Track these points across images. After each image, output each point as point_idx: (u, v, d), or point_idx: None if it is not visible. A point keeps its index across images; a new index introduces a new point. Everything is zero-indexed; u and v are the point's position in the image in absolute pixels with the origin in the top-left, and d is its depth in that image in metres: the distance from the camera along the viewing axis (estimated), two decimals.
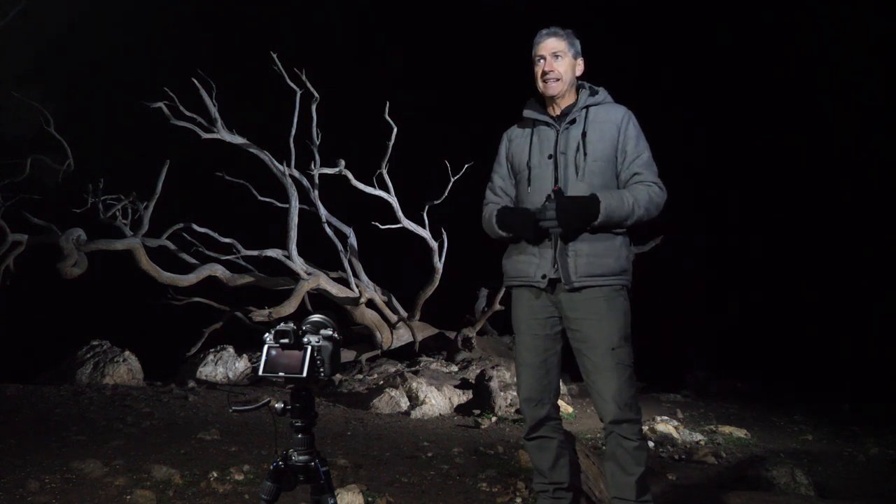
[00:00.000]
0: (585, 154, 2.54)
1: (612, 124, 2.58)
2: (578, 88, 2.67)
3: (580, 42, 2.67)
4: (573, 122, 2.61)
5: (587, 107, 2.62)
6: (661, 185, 2.58)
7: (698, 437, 5.55)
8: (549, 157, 2.59)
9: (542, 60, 2.61)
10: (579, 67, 2.65)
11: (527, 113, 2.70)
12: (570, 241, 2.51)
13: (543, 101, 2.68)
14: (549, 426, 2.64)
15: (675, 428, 5.61)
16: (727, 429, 5.93)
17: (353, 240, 8.91)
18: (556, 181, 2.56)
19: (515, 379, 2.77)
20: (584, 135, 2.57)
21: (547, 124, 2.64)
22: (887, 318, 10.19)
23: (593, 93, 2.66)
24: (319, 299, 8.79)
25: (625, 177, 2.57)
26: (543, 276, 2.54)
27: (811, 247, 12.41)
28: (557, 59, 2.59)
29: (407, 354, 9.07)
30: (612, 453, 2.55)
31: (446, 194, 8.61)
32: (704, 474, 4.37)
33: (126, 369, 6.84)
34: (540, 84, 2.62)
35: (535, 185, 2.60)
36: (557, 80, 2.58)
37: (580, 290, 2.51)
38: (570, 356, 2.67)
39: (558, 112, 2.64)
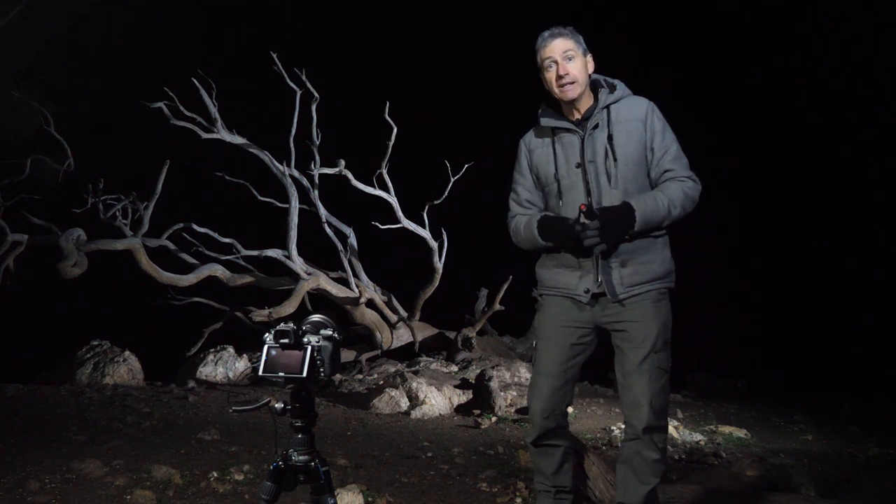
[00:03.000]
0: (616, 160, 2.42)
1: (636, 122, 2.46)
2: (595, 86, 2.52)
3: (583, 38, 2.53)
4: (596, 126, 2.46)
5: (608, 106, 2.48)
6: (695, 178, 2.47)
7: (698, 437, 5.55)
8: (577, 165, 2.46)
9: (553, 65, 2.44)
10: (590, 65, 2.51)
11: (544, 122, 2.54)
12: (611, 253, 2.40)
13: (558, 106, 2.54)
14: (557, 434, 2.56)
15: (675, 428, 5.60)
16: (727, 429, 5.93)
17: (353, 240, 8.91)
18: (589, 192, 2.43)
19: (529, 386, 2.64)
20: (610, 138, 2.43)
21: (568, 130, 2.50)
22: (887, 318, 10.19)
23: (611, 88, 2.51)
24: (319, 299, 8.79)
25: (655, 174, 2.47)
26: (587, 291, 2.43)
27: (812, 247, 12.41)
28: (570, 61, 2.44)
29: (407, 354, 9.07)
30: (628, 458, 2.47)
31: (446, 194, 8.61)
32: (704, 474, 4.36)
33: (126, 369, 6.83)
34: (556, 90, 2.46)
35: (566, 197, 2.47)
36: (573, 82, 2.43)
37: (626, 300, 2.42)
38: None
39: (578, 116, 2.50)
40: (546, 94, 2.55)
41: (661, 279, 2.46)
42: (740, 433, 5.79)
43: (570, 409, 6.31)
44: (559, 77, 2.44)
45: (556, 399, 2.51)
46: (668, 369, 2.45)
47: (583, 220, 2.32)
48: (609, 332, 2.51)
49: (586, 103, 2.50)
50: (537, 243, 2.51)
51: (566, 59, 2.44)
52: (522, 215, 2.59)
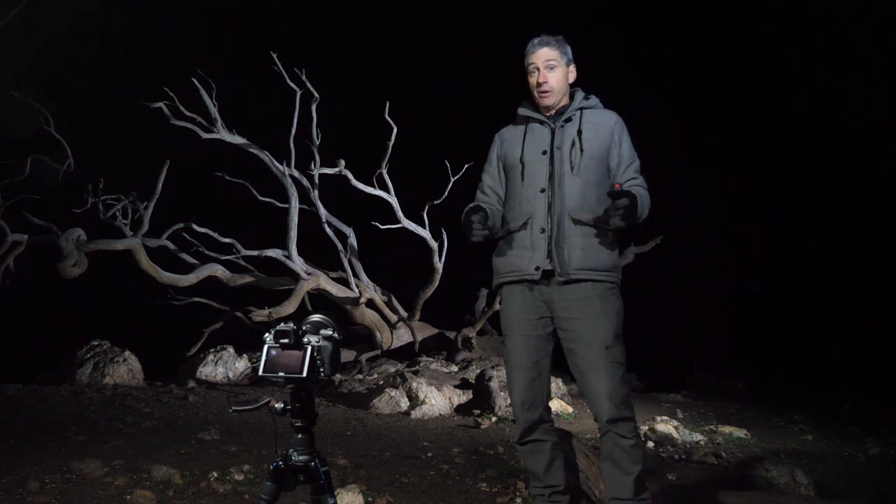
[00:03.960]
0: (582, 150, 2.57)
1: (606, 126, 2.64)
2: (573, 93, 2.73)
3: (571, 48, 2.70)
4: (569, 120, 2.65)
5: (582, 108, 2.68)
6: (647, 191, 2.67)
7: (698, 437, 5.55)
8: (544, 152, 2.61)
9: (535, 71, 2.63)
10: (572, 74, 2.70)
11: (521, 111, 2.73)
12: (564, 234, 2.53)
13: (536, 104, 2.74)
14: (541, 429, 2.64)
15: (675, 428, 5.60)
16: (727, 429, 5.93)
17: (353, 240, 8.91)
18: (552, 176, 2.58)
19: (507, 384, 2.76)
20: (579, 132, 2.60)
21: (541, 122, 2.68)
22: (888, 318, 10.19)
23: (587, 97, 2.72)
24: (319, 299, 8.79)
25: (622, 180, 2.61)
26: (537, 268, 2.54)
27: (812, 247, 12.41)
28: (551, 71, 2.62)
29: (407, 354, 9.07)
30: (608, 453, 2.54)
31: (446, 194, 8.61)
32: (704, 474, 4.36)
33: (126, 369, 6.83)
34: (535, 95, 2.66)
35: (528, 179, 2.61)
36: (550, 91, 2.62)
37: (573, 284, 2.52)
38: (562, 356, 2.66)
39: (552, 113, 2.69)
40: (529, 93, 2.74)
41: (608, 271, 2.55)
42: (740, 433, 5.80)
43: (570, 409, 6.34)
44: (538, 84, 2.63)
45: (533, 390, 2.61)
46: (622, 362, 2.52)
47: (619, 200, 2.44)
48: (558, 333, 2.61)
49: (562, 104, 2.71)
50: (466, 228, 2.57)
51: (548, 67, 2.62)
52: (480, 202, 2.74)
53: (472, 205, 2.62)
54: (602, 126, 2.63)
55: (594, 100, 2.73)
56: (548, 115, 2.68)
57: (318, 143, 8.33)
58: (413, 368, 7.59)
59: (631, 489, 2.48)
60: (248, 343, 8.17)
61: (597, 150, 2.60)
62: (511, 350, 2.65)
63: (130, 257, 7.96)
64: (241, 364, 7.71)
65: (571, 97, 2.71)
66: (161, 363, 7.74)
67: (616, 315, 2.54)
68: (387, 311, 9.02)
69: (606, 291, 2.54)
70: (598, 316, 2.50)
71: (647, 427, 5.55)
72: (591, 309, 2.51)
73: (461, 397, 6.45)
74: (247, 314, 8.30)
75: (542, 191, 2.57)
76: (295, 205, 8.40)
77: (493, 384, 6.07)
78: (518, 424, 2.68)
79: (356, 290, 8.61)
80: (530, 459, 2.68)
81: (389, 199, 8.56)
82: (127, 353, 7.02)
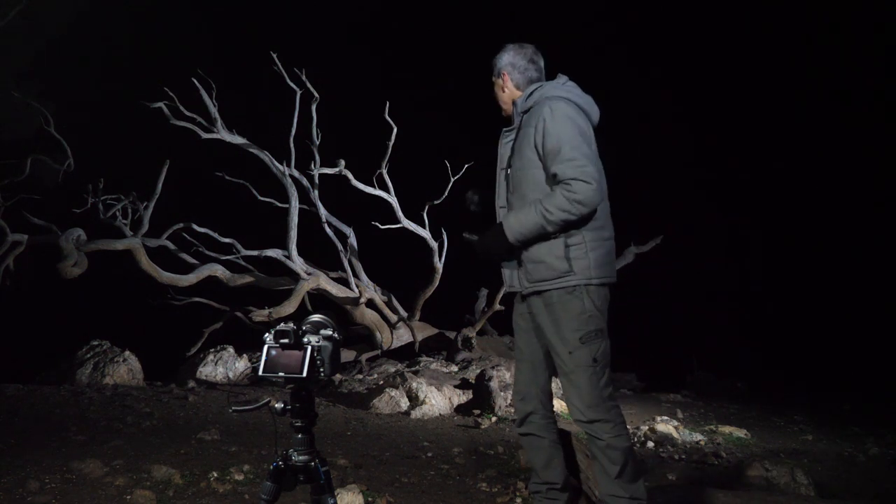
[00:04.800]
0: (510, 166, 2.65)
1: (531, 128, 2.55)
2: (516, 100, 2.74)
3: (504, 54, 2.75)
4: (511, 131, 2.72)
5: (522, 113, 2.66)
6: (584, 177, 2.40)
7: (698, 437, 5.55)
8: (502, 169, 2.73)
9: None
10: (507, 82, 2.73)
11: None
12: (518, 251, 2.61)
13: None
14: (537, 423, 2.70)
15: (675, 428, 5.60)
16: (727, 429, 5.93)
17: (353, 240, 8.90)
18: (506, 192, 2.69)
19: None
20: (513, 148, 2.66)
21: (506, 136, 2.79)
22: (888, 318, 10.19)
23: (528, 95, 2.65)
24: (319, 299, 8.79)
25: (550, 178, 2.51)
26: (511, 286, 2.71)
27: (812, 247, 12.41)
28: (495, 88, 2.79)
29: (407, 354, 9.07)
30: (592, 453, 2.60)
31: (446, 194, 8.60)
32: (704, 474, 4.36)
33: (126, 369, 6.83)
34: None
35: (496, 197, 2.78)
36: (501, 106, 2.79)
37: (534, 296, 2.60)
38: None
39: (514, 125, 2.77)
40: None
41: (558, 278, 2.53)
42: (740, 433, 5.79)
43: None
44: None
45: (528, 382, 2.71)
46: (591, 364, 2.50)
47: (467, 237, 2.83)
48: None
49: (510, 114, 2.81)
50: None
51: (494, 86, 2.80)
52: None
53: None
54: (530, 129, 2.55)
55: (535, 95, 2.61)
56: (510, 126, 2.75)
57: (318, 143, 8.32)
58: (413, 368, 7.59)
59: (617, 487, 2.49)
60: (248, 343, 8.16)
61: (525, 160, 2.56)
62: (516, 344, 2.82)
63: (130, 257, 7.96)
64: (241, 364, 7.71)
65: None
66: (161, 363, 7.73)
67: (577, 316, 2.49)
68: (387, 311, 9.01)
69: (566, 296, 2.51)
70: (559, 321, 2.53)
71: (647, 427, 5.55)
72: (552, 315, 2.55)
73: (461, 397, 6.45)
74: (247, 314, 8.30)
75: (503, 207, 2.72)
76: (295, 205, 8.40)
77: (493, 384, 6.07)
78: (516, 411, 2.79)
79: (356, 290, 8.61)
80: (530, 454, 2.75)
81: (389, 199, 8.55)
82: (127, 353, 7.02)
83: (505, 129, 2.77)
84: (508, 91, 2.73)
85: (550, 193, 2.47)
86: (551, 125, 2.48)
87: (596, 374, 2.49)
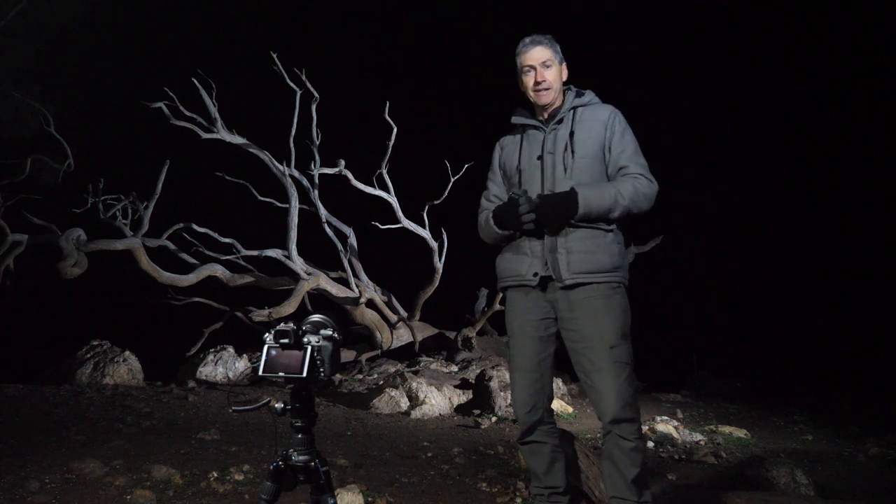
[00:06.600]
0: (573, 152, 2.56)
1: (599, 122, 2.60)
2: (565, 92, 2.71)
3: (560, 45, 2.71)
4: (560, 121, 2.64)
5: (574, 108, 2.65)
6: (650, 177, 2.56)
7: (698, 437, 5.55)
8: (538, 157, 2.62)
9: (531, 71, 2.63)
10: (565, 73, 2.69)
11: (515, 119, 2.74)
12: (560, 239, 2.52)
13: (531, 107, 2.72)
14: (541, 431, 2.63)
15: (675, 428, 5.60)
16: (727, 429, 5.93)
17: (353, 240, 8.91)
18: (544, 181, 2.57)
19: (510, 385, 2.73)
20: (571, 134, 2.59)
21: (535, 128, 2.68)
22: (888, 319, 10.19)
23: (580, 95, 2.70)
24: (319, 299, 8.79)
25: (612, 171, 2.58)
26: (535, 274, 2.54)
27: (812, 248, 12.41)
28: (548, 69, 2.62)
29: (407, 354, 9.07)
30: (609, 453, 2.53)
31: (446, 194, 8.61)
32: (704, 474, 4.36)
33: (126, 369, 6.83)
34: (532, 94, 2.65)
35: (525, 185, 2.62)
36: (548, 88, 2.62)
37: (574, 288, 2.50)
38: (565, 357, 2.65)
39: (546, 116, 2.68)
40: (522, 94, 2.72)
41: (609, 272, 2.51)
42: (740, 433, 5.79)
43: (570, 409, 6.34)
44: (536, 83, 2.62)
45: (535, 392, 2.60)
46: (629, 362, 2.50)
47: (516, 195, 2.50)
48: (562, 333, 2.59)
49: (555, 106, 2.69)
50: (495, 232, 2.65)
51: (544, 66, 2.62)
52: (488, 210, 2.74)
53: (497, 205, 2.66)
54: (595, 123, 2.60)
55: (588, 95, 2.70)
56: (541, 118, 2.68)
57: (318, 143, 8.33)
58: (413, 368, 7.59)
59: (630, 490, 2.47)
60: (248, 343, 8.17)
61: (590, 150, 2.57)
62: (514, 351, 2.65)
63: (130, 257, 7.96)
64: (241, 364, 7.71)
65: (564, 97, 2.70)
66: (161, 363, 7.74)
67: (620, 314, 2.51)
68: (387, 311, 9.01)
69: (610, 291, 2.51)
70: (601, 315, 2.48)
71: (647, 427, 5.54)
72: (594, 308, 2.49)
73: (461, 397, 6.45)
74: (247, 314, 8.30)
75: (540, 195, 2.57)
76: (295, 205, 8.41)
77: (493, 384, 6.07)
78: (519, 425, 2.68)
79: (356, 290, 8.61)
80: (531, 459, 2.68)
81: (389, 199, 8.56)
82: (127, 353, 7.02)
83: (529, 119, 2.69)
84: (561, 81, 2.68)
85: (619, 180, 2.53)
86: (622, 126, 2.61)
87: (630, 373, 2.49)
